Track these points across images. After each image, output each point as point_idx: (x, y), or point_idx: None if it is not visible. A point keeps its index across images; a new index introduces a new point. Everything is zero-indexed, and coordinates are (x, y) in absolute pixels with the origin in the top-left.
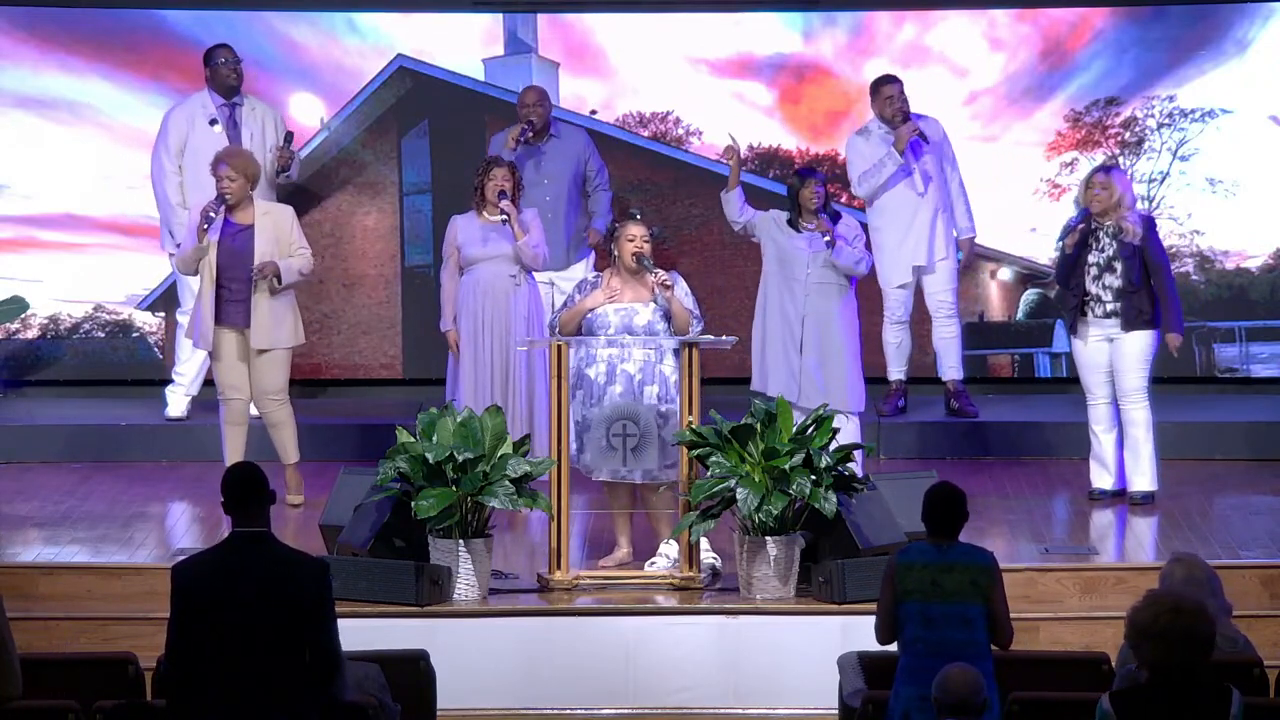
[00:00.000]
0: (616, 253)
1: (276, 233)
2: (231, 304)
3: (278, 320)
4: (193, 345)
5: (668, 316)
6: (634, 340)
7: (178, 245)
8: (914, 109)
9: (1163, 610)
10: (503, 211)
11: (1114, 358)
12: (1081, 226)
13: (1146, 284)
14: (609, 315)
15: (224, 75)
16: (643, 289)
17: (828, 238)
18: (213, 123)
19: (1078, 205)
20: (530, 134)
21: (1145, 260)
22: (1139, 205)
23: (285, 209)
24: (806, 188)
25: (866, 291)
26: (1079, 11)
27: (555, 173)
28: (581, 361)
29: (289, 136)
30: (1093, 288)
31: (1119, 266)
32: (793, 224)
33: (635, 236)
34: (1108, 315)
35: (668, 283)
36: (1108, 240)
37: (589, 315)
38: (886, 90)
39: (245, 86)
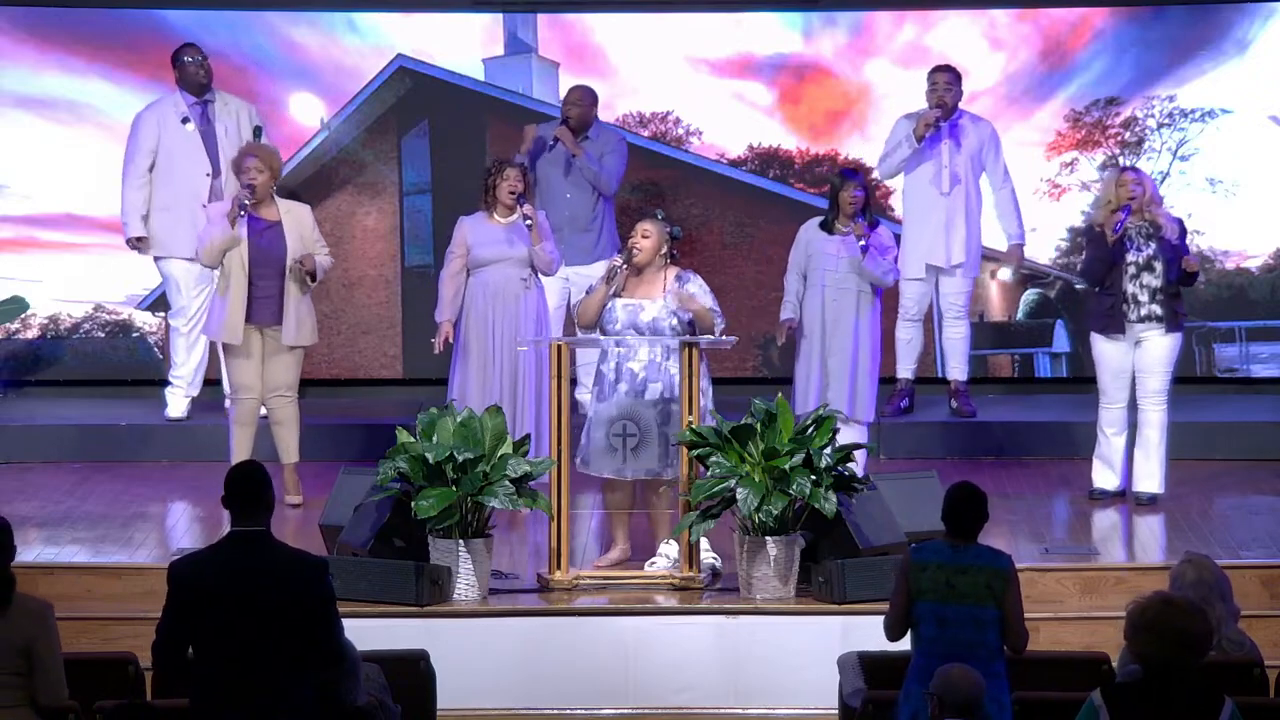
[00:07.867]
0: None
1: (301, 231)
2: (259, 300)
3: (303, 318)
4: (211, 338)
5: (679, 313)
6: (639, 339)
7: (129, 239)
8: (914, 109)
9: (1154, 604)
10: (526, 217)
11: (1139, 360)
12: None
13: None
14: (616, 310)
15: (192, 74)
16: (652, 286)
17: (862, 242)
18: (185, 121)
19: (1095, 209)
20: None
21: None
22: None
23: (304, 207)
24: (846, 190)
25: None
26: (1079, 11)
27: (584, 171)
28: (599, 359)
29: (257, 131)
30: (1130, 287)
31: (1158, 266)
32: (826, 226)
33: (637, 233)
34: (1143, 319)
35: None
36: (1143, 239)
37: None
38: (932, 78)
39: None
